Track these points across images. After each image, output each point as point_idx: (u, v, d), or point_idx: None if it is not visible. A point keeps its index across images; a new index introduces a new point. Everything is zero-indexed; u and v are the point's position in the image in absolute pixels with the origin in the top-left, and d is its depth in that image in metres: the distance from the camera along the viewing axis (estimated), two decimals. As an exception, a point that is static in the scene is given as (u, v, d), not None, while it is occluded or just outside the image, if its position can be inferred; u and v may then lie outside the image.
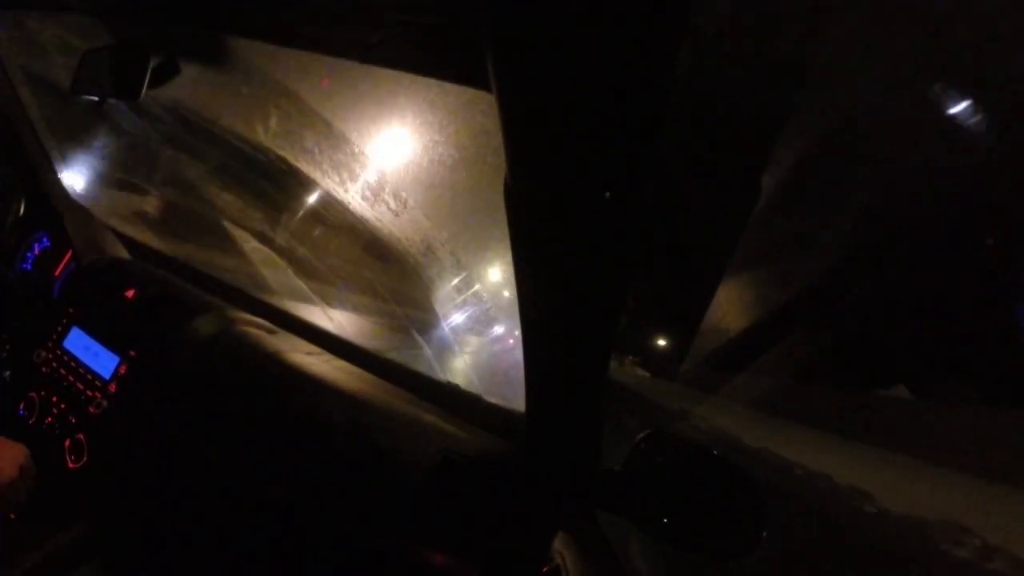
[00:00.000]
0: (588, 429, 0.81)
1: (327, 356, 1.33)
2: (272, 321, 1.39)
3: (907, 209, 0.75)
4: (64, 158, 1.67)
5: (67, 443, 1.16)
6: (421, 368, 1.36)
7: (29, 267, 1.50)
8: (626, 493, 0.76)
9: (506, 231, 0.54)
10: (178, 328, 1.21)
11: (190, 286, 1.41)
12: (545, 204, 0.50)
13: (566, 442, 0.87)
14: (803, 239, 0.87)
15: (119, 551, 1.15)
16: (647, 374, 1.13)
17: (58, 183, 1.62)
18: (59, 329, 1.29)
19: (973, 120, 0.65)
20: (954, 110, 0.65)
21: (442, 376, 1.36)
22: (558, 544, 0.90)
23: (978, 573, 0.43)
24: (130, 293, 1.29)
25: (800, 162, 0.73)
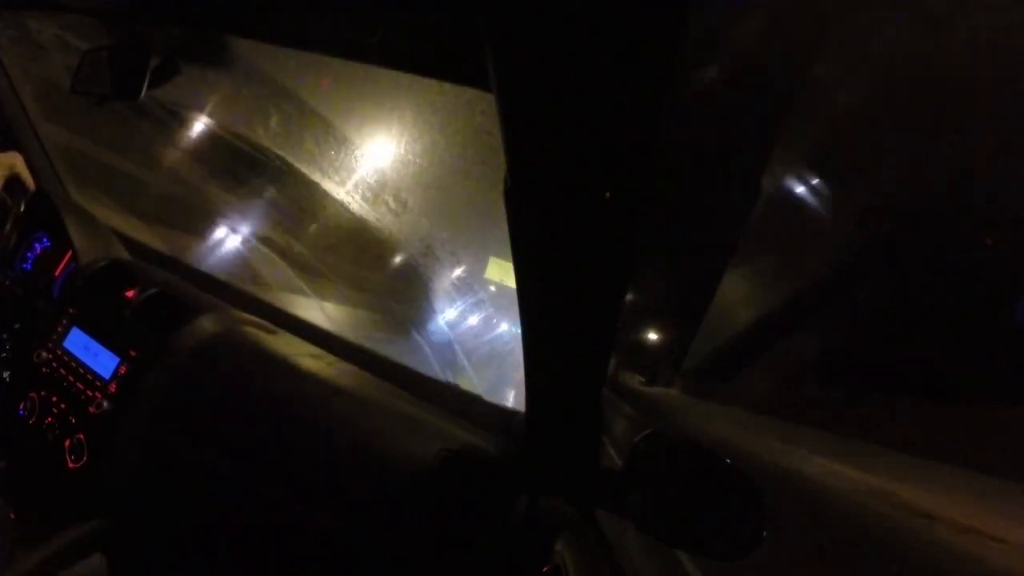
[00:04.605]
0: (588, 429, 0.81)
1: (327, 356, 1.33)
2: (272, 321, 1.39)
3: (907, 209, 0.75)
4: (64, 158, 1.67)
5: (67, 443, 1.16)
6: (421, 368, 1.36)
7: (29, 267, 1.50)
8: (626, 493, 0.76)
9: (506, 231, 0.54)
10: (178, 328, 1.21)
11: (190, 286, 1.41)
12: (545, 204, 0.50)
13: (566, 442, 0.87)
14: (803, 239, 0.87)
15: (122, 550, 1.15)
16: (644, 380, 1.14)
17: (58, 183, 1.62)
18: (59, 329, 1.29)
19: (972, 120, 0.65)
20: (953, 111, 0.65)
21: (442, 376, 1.36)
22: (558, 544, 0.90)
23: (980, 568, 0.44)
24: (130, 293, 1.29)
25: (800, 162, 0.73)
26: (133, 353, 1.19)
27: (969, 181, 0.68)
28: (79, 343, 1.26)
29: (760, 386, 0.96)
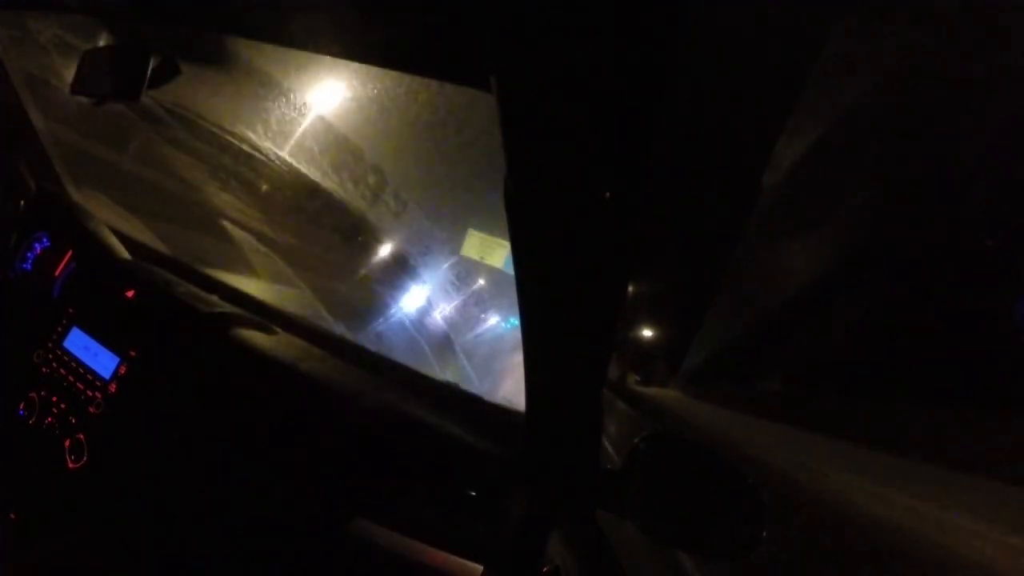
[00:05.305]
0: (587, 429, 0.81)
1: (326, 356, 1.33)
2: (272, 321, 1.39)
3: (907, 209, 0.75)
4: (64, 158, 1.67)
5: (67, 443, 1.16)
6: (421, 368, 1.36)
7: (29, 267, 1.50)
8: (626, 493, 0.76)
9: (506, 231, 0.54)
10: (178, 328, 1.21)
11: (190, 286, 1.41)
12: (544, 204, 0.50)
13: (566, 442, 0.87)
14: (803, 240, 0.87)
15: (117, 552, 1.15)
16: (644, 380, 1.14)
17: (58, 183, 1.62)
18: (59, 329, 1.29)
19: (973, 120, 0.65)
20: (954, 110, 0.65)
21: (442, 376, 1.36)
22: (558, 544, 0.90)
23: (979, 573, 0.44)
24: (130, 293, 1.29)
25: (800, 162, 0.73)
26: (133, 353, 1.19)
27: (969, 181, 0.68)
28: (79, 343, 1.26)
29: (759, 388, 0.96)
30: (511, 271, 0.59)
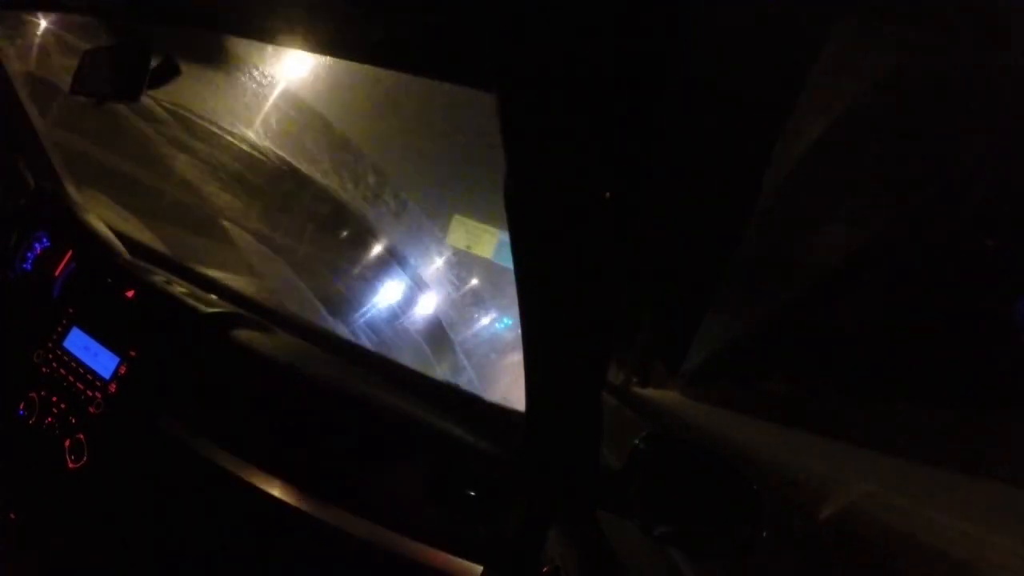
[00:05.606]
0: (587, 429, 0.81)
1: (326, 355, 1.33)
2: (272, 321, 1.39)
3: (907, 209, 0.75)
4: (64, 158, 1.67)
5: (67, 443, 1.16)
6: (421, 368, 1.36)
7: (29, 267, 1.50)
8: (626, 493, 0.76)
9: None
10: (178, 328, 1.21)
11: (190, 286, 1.41)
12: (544, 204, 0.50)
13: (566, 442, 0.87)
14: (803, 240, 0.87)
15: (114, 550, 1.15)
16: (643, 382, 1.14)
17: (58, 183, 1.62)
18: (59, 329, 1.29)
19: (973, 120, 0.65)
20: (954, 110, 0.65)
21: (442, 376, 1.36)
22: (558, 544, 0.90)
23: (976, 572, 0.44)
24: (130, 293, 1.29)
25: (801, 162, 0.73)
26: (133, 353, 1.19)
27: (969, 181, 0.68)
28: (79, 343, 1.26)
29: (759, 388, 0.96)
30: (501, 262, 0.59)
